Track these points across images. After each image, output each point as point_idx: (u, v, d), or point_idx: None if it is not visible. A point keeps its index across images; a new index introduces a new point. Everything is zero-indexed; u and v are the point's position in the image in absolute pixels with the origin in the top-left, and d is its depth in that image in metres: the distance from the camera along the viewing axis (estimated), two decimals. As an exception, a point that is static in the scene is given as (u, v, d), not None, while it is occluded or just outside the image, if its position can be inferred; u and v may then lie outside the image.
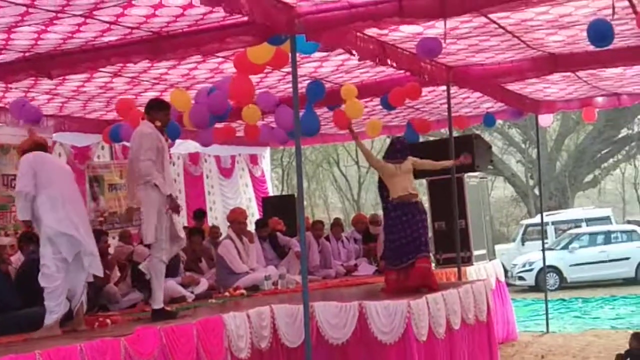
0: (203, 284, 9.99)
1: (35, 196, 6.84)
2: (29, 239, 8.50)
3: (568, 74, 10.87)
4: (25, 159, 7.01)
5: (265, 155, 17.10)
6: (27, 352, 5.28)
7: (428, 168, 8.98)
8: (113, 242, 11.18)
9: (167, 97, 10.14)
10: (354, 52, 7.81)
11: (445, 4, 6.76)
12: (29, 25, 6.90)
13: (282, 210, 13.20)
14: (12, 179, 10.87)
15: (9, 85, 9.16)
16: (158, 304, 7.34)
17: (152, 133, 7.34)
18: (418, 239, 8.30)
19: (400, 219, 8.38)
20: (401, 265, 8.33)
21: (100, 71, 8.88)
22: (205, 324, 6.76)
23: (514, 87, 11.65)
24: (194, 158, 14.75)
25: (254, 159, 16.50)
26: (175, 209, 7.36)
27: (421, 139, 13.82)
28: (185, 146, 13.58)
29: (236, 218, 10.78)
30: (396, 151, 8.63)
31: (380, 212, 9.93)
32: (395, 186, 8.50)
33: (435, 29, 8.01)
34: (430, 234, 9.92)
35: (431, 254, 8.59)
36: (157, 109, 7.55)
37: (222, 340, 6.85)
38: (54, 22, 6.87)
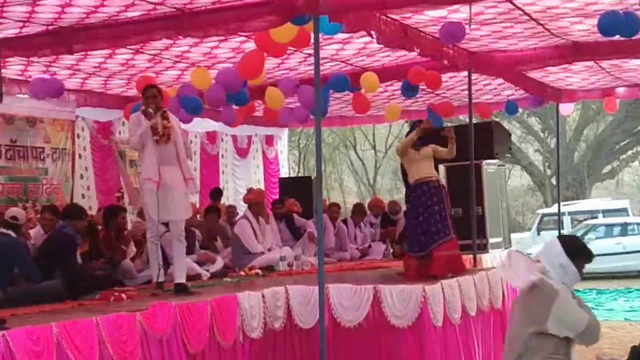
0: (218, 263, 10.03)
1: None
2: (54, 212, 8.60)
3: (590, 63, 10.79)
4: None
5: (283, 136, 17.07)
6: (44, 324, 5.32)
7: (445, 156, 8.88)
8: (133, 217, 11.23)
9: (187, 76, 10.20)
10: (374, 35, 7.77)
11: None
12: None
13: (298, 192, 13.19)
14: (41, 152, 11.00)
15: (31, 59, 9.18)
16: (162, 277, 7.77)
17: (134, 115, 7.91)
18: (435, 224, 8.23)
19: (419, 200, 8.31)
20: (420, 253, 8.29)
21: (122, 48, 8.88)
22: (220, 302, 6.80)
23: (535, 75, 11.57)
24: (212, 137, 14.75)
25: (269, 140, 16.46)
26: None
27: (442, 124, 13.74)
28: (202, 125, 13.58)
29: (254, 198, 10.80)
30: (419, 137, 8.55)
31: (398, 198, 9.90)
32: (413, 171, 8.47)
33: (459, 13, 7.96)
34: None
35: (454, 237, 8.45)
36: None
37: (235, 319, 6.88)
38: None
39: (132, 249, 9.54)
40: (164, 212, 7.58)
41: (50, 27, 7.88)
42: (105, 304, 7.02)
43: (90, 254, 8.89)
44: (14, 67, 9.52)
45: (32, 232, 8.79)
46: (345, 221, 12.58)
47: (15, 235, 7.57)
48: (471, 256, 10.25)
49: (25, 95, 10.29)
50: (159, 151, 7.56)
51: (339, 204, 14.18)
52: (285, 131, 17.26)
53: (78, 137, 11.83)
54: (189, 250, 9.38)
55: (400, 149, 8.65)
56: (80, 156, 11.88)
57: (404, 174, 8.73)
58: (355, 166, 37.76)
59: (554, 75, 11.78)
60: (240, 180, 15.66)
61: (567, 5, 7.93)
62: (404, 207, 10.84)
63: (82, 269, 8.16)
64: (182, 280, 7.65)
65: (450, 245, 8.29)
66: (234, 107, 10.78)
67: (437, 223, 8.23)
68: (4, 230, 7.55)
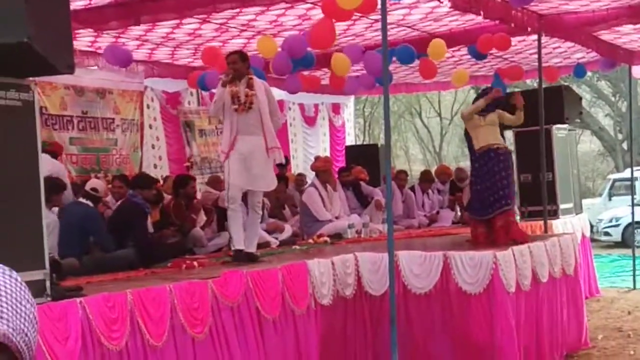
0: (287, 231, 10.09)
1: None
2: (123, 180, 8.80)
3: (665, 23, 10.49)
4: None
5: (349, 104, 17.03)
6: (119, 291, 5.41)
7: (512, 123, 8.71)
8: (204, 187, 11.35)
9: (253, 44, 10.20)
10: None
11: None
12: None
13: (364, 160, 13.15)
14: (111, 123, 11.17)
15: (100, 31, 9.29)
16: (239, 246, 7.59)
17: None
18: (497, 192, 8.15)
19: (482, 169, 8.25)
20: (486, 217, 8.21)
21: (189, 17, 8.92)
22: (290, 269, 6.81)
23: (607, 36, 11.30)
24: (279, 106, 14.75)
25: (336, 108, 16.45)
26: None
27: (507, 90, 13.52)
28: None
29: (321, 166, 10.81)
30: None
31: (464, 165, 9.78)
32: (478, 137, 8.34)
33: (529, -26, 7.80)
34: (515, 187, 9.76)
35: (514, 207, 8.33)
36: None
37: (306, 285, 6.90)
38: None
39: (202, 218, 9.64)
40: (241, 180, 7.47)
41: (118, -1, 7.97)
42: (177, 272, 7.09)
43: (161, 223, 9.02)
44: (83, 39, 9.64)
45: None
46: (412, 188, 12.53)
47: (93, 206, 7.74)
48: (542, 222, 10.12)
49: (95, 67, 10.43)
50: (238, 120, 7.37)
51: (406, 171, 14.12)
52: (352, 99, 17.20)
53: (148, 107, 12.00)
54: (258, 219, 9.45)
55: (466, 115, 8.54)
56: (150, 126, 12.07)
57: (469, 140, 8.60)
58: (421, 134, 37.49)
59: (626, 37, 11.48)
60: (312, 148, 15.71)
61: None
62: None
63: (153, 238, 8.29)
64: (253, 249, 7.66)
65: (510, 215, 8.18)
66: (299, 74, 10.77)
67: (499, 190, 8.14)
68: (83, 201, 7.72)
